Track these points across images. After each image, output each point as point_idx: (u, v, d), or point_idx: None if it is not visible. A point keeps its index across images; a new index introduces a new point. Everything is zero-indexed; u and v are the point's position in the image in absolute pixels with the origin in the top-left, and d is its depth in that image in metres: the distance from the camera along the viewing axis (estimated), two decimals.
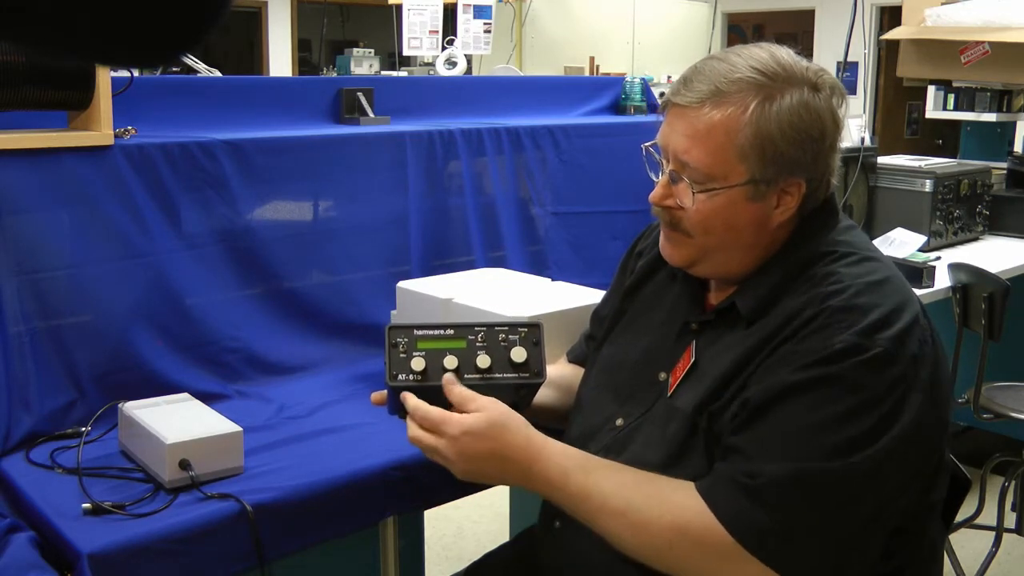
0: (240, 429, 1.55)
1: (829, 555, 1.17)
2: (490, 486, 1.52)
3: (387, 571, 1.67)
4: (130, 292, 1.84)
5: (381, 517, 1.61)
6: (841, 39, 3.83)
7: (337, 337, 2.13)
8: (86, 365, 1.77)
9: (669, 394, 1.33)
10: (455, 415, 1.28)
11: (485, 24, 3.72)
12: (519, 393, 1.41)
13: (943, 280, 2.87)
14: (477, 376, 1.36)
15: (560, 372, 1.61)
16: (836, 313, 1.20)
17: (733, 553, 1.16)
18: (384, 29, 6.73)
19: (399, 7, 3.78)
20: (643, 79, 3.08)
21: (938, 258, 3.08)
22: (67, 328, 1.76)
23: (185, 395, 1.71)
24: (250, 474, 1.54)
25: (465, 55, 3.72)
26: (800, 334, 1.21)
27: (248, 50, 10.71)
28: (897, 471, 1.18)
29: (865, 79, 8.76)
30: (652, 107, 2.97)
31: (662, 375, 1.37)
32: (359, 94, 2.37)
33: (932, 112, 4.45)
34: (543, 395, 1.49)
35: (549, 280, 2.10)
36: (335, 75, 6.48)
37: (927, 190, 3.26)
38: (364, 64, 6.75)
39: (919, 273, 2.74)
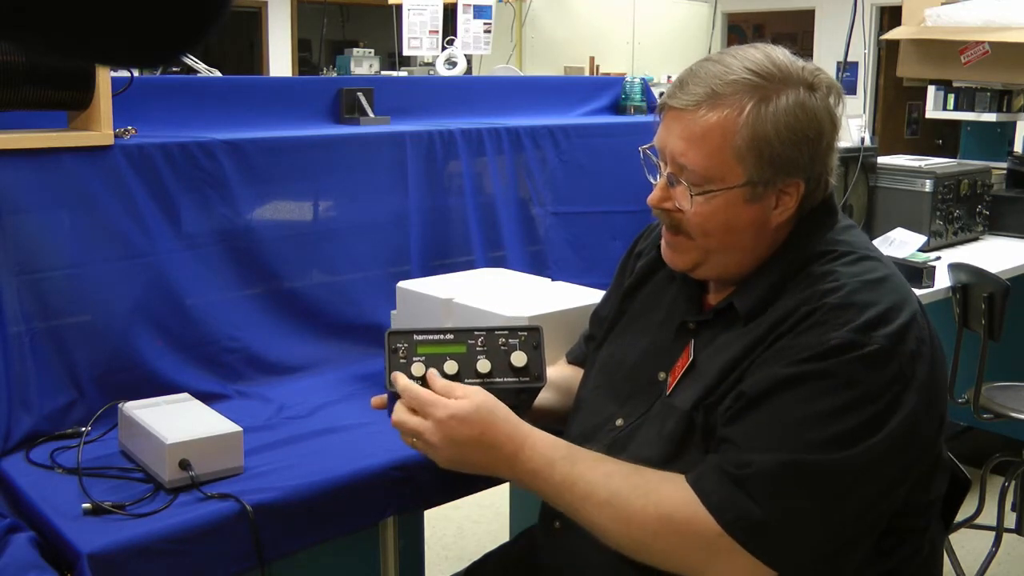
0: (240, 429, 1.55)
1: (816, 547, 1.17)
2: (484, 476, 1.51)
3: (387, 571, 1.67)
4: (130, 292, 1.84)
5: (381, 517, 1.61)
6: (841, 39, 3.83)
7: (337, 337, 2.13)
8: (86, 365, 1.77)
9: (668, 393, 1.33)
10: (442, 399, 1.28)
11: (485, 24, 3.72)
12: (519, 397, 1.41)
13: (943, 280, 2.87)
14: (477, 381, 1.37)
15: (560, 373, 1.61)
16: (833, 310, 1.20)
17: (719, 543, 1.16)
18: (384, 29, 6.73)
19: (399, 7, 3.78)
20: (643, 79, 3.08)
21: (938, 258, 3.08)
22: (67, 328, 1.76)
23: (185, 395, 1.71)
24: (250, 474, 1.54)
25: (465, 55, 3.72)
26: (797, 330, 1.21)
27: (248, 50, 10.71)
28: (891, 468, 1.18)
29: (865, 79, 8.77)
30: (652, 107, 2.97)
31: (661, 375, 1.37)
32: (359, 94, 2.37)
33: (932, 112, 4.45)
34: (543, 397, 1.49)
35: (549, 280, 2.10)
36: (335, 75, 6.48)
37: (927, 190, 3.26)
38: (364, 64, 6.75)
39: (919, 273, 2.74)
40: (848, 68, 8.04)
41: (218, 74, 2.51)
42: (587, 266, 2.57)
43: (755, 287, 1.30)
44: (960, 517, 2.32)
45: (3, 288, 1.67)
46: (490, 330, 1.39)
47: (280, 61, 10.15)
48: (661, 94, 1.38)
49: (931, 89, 4.41)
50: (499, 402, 1.30)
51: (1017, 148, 4.86)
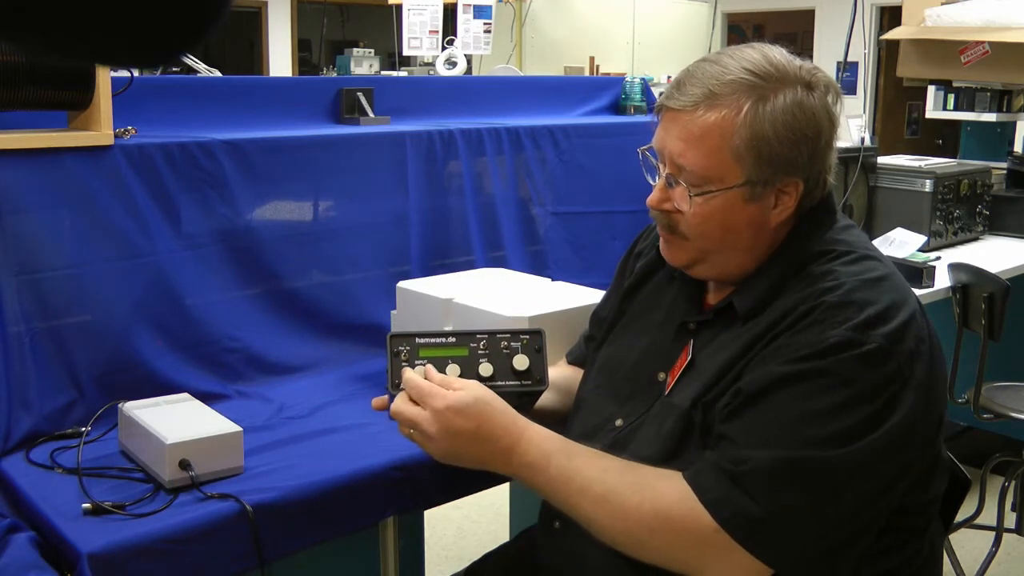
0: (240, 429, 1.55)
1: (812, 544, 1.17)
2: (494, 475, 1.51)
3: (387, 571, 1.67)
4: (130, 292, 1.84)
5: (381, 517, 1.61)
6: (841, 39, 3.83)
7: (337, 337, 2.13)
8: (86, 365, 1.77)
9: (667, 393, 1.33)
10: (442, 389, 1.28)
11: (485, 24, 3.72)
12: (521, 400, 1.41)
13: (943, 280, 2.87)
14: None
15: (560, 374, 1.61)
16: (832, 308, 1.20)
17: (716, 539, 1.16)
18: (384, 29, 6.73)
19: (399, 7, 3.78)
20: (643, 79, 3.08)
21: (938, 258, 3.08)
22: (67, 328, 1.76)
23: (185, 395, 1.71)
24: (250, 474, 1.54)
25: (465, 55, 3.72)
26: (795, 328, 1.21)
27: (248, 50, 10.71)
28: (888, 466, 1.18)
29: (865, 79, 8.77)
30: (652, 107, 2.97)
31: (661, 375, 1.37)
32: (359, 94, 2.37)
33: (932, 112, 4.45)
34: (543, 398, 1.49)
35: (549, 280, 2.10)
36: (335, 75, 6.48)
37: (927, 190, 3.26)
38: (364, 64, 6.74)
39: (919, 273, 2.74)
40: (848, 68, 8.04)
41: (218, 74, 2.51)
42: (587, 266, 2.57)
43: (754, 287, 1.30)
44: (960, 517, 2.33)
45: (3, 288, 1.67)
46: (492, 333, 1.40)
47: (280, 61, 10.15)
48: (661, 94, 1.38)
49: (931, 89, 4.41)
50: (496, 396, 1.30)
51: (1017, 148, 4.86)
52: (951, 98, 4.30)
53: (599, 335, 1.55)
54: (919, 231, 3.11)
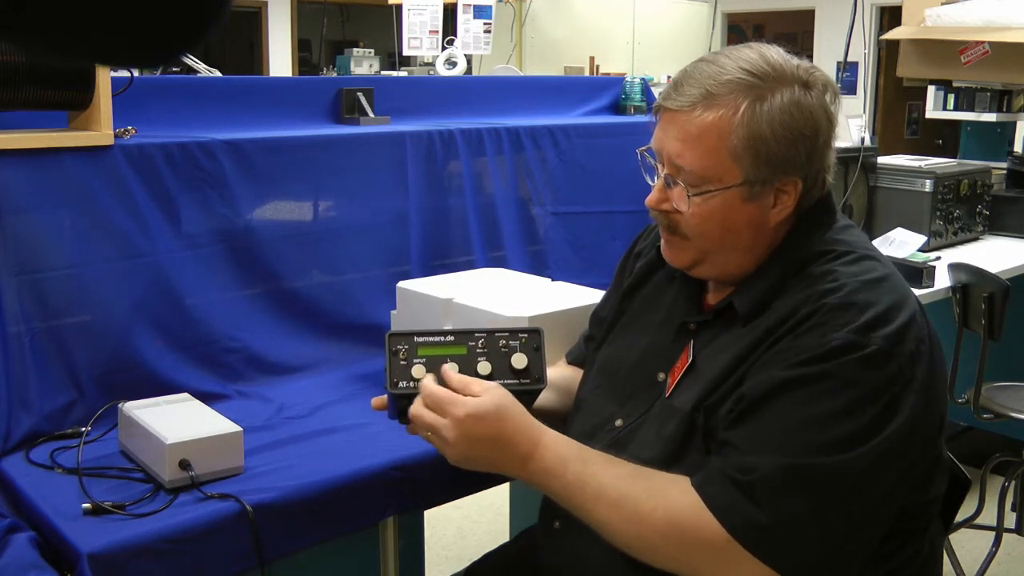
0: (240, 429, 1.55)
1: (823, 550, 1.17)
2: (494, 475, 1.51)
3: (387, 571, 1.67)
4: (130, 292, 1.84)
5: (381, 517, 1.61)
6: (841, 39, 3.83)
7: (337, 337, 2.13)
8: (86, 365, 1.77)
9: (667, 394, 1.33)
10: (461, 397, 1.28)
11: (485, 24, 3.72)
12: (520, 399, 1.41)
13: (943, 280, 2.87)
14: None
15: (559, 374, 1.61)
16: (833, 310, 1.20)
17: (727, 547, 1.16)
18: (384, 29, 6.73)
19: (399, 7, 3.78)
20: (643, 79, 3.08)
21: (938, 258, 3.08)
22: (67, 328, 1.76)
23: (185, 395, 1.71)
24: (250, 474, 1.54)
25: (465, 55, 3.72)
26: (797, 331, 1.21)
27: (248, 50, 10.71)
28: (892, 468, 1.18)
29: (865, 79, 8.76)
30: (652, 107, 2.96)
31: (661, 375, 1.37)
32: (359, 94, 2.37)
33: (932, 112, 4.45)
34: (543, 398, 1.49)
35: (549, 280, 2.10)
36: (335, 75, 6.48)
37: (927, 190, 3.26)
38: (364, 64, 6.74)
39: (919, 273, 2.74)
40: (848, 68, 8.04)
41: (218, 74, 2.51)
42: (587, 266, 2.57)
43: (754, 287, 1.30)
44: (960, 517, 2.33)
45: (3, 288, 1.67)
46: (490, 332, 1.39)
47: (280, 61, 10.14)
48: (660, 94, 1.38)
49: (931, 89, 4.41)
50: (515, 401, 1.30)
51: (1017, 148, 4.86)
52: (951, 98, 4.30)
53: (599, 335, 1.54)
54: (919, 231, 3.11)
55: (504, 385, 1.37)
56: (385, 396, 1.40)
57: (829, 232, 1.32)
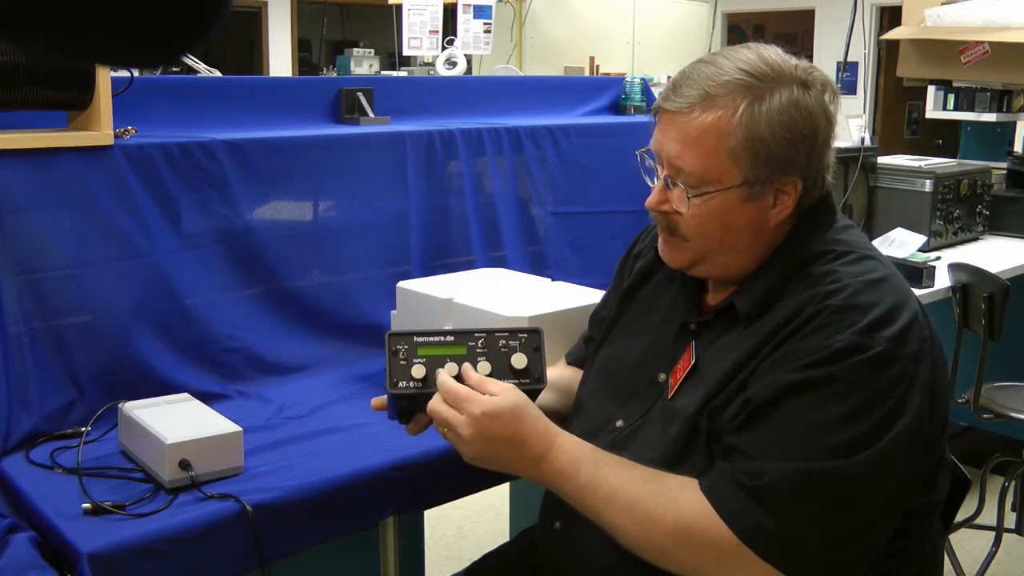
0: (240, 429, 1.55)
1: (831, 553, 1.17)
2: (494, 475, 1.51)
3: (387, 571, 1.67)
4: (130, 292, 1.84)
5: (381, 517, 1.61)
6: (841, 39, 3.83)
7: (337, 337, 2.13)
8: (86, 365, 1.77)
9: (670, 396, 1.33)
10: (479, 395, 1.28)
11: (485, 24, 3.72)
12: None
13: (943, 280, 2.87)
14: None
15: (559, 374, 1.61)
16: (836, 312, 1.20)
17: (736, 552, 1.16)
18: (384, 29, 6.73)
19: (399, 7, 3.78)
20: (643, 79, 3.07)
21: (938, 258, 3.08)
22: (67, 328, 1.76)
23: (185, 395, 1.71)
24: (250, 474, 1.54)
25: (465, 55, 3.72)
26: (800, 333, 1.21)
27: (248, 50, 10.71)
28: (899, 469, 1.18)
29: (865, 79, 8.76)
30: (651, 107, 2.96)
31: (661, 376, 1.37)
32: (359, 94, 2.37)
33: (932, 112, 4.45)
34: (543, 398, 1.48)
35: (549, 280, 2.10)
36: (335, 75, 6.48)
37: (927, 190, 3.26)
38: (364, 64, 6.74)
39: (919, 273, 2.74)
40: (848, 68, 8.04)
41: (218, 74, 2.51)
42: (587, 266, 2.57)
43: (755, 287, 1.30)
44: (960, 517, 2.32)
45: (3, 288, 1.67)
46: (490, 332, 1.39)
47: (280, 61, 10.14)
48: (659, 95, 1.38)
49: (931, 89, 4.41)
50: (531, 402, 1.30)
51: (1017, 148, 4.86)
52: (951, 98, 4.30)
53: (598, 336, 1.54)
54: (919, 231, 3.11)
55: None
56: (385, 396, 1.40)
57: (829, 232, 1.32)
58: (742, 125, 1.24)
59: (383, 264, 2.26)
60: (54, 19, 0.54)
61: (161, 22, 0.56)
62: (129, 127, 1.86)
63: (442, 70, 3.68)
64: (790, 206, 1.29)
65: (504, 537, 2.55)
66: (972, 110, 4.24)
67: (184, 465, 1.47)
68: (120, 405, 1.62)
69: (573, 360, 1.66)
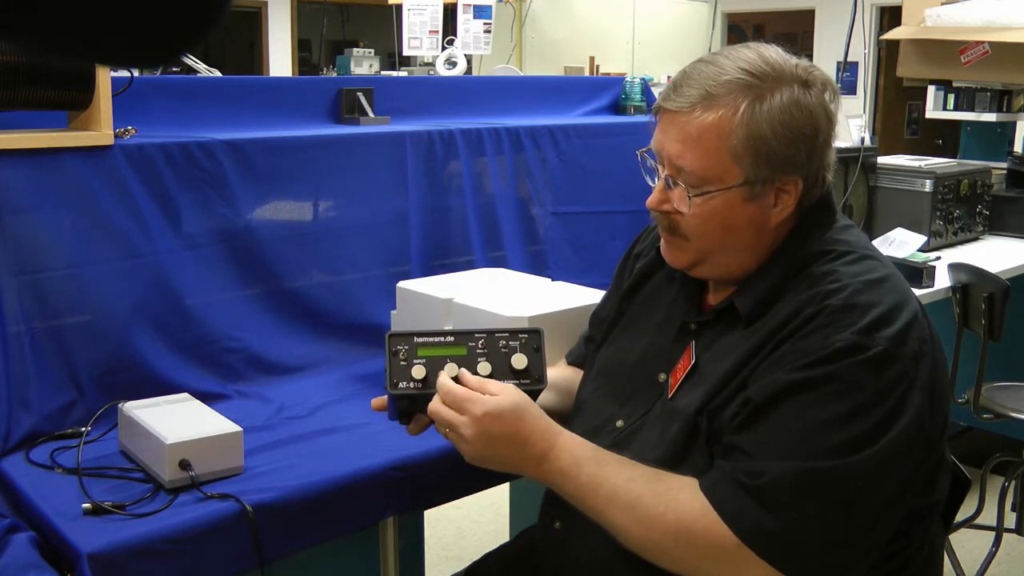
0: (240, 429, 1.55)
1: (832, 553, 1.17)
2: (494, 475, 1.51)
3: (387, 571, 1.67)
4: (130, 292, 1.84)
5: (381, 517, 1.61)
6: (841, 39, 3.83)
7: (337, 337, 2.13)
8: (86, 365, 1.77)
9: (670, 396, 1.33)
10: (480, 395, 1.28)
11: (485, 24, 3.72)
12: None
13: (943, 280, 2.87)
14: None
15: (559, 375, 1.61)
16: (836, 312, 1.20)
17: (736, 552, 1.16)
18: (384, 29, 6.73)
19: (399, 7, 3.78)
20: (643, 79, 3.07)
21: (938, 258, 3.08)
22: (67, 328, 1.76)
23: (185, 395, 1.71)
24: (250, 474, 1.54)
25: (465, 55, 3.72)
26: (800, 333, 1.21)
27: (248, 50, 10.71)
28: (899, 469, 1.18)
29: (865, 79, 8.76)
30: (652, 107, 2.96)
31: (662, 376, 1.37)
32: (359, 94, 2.37)
33: (932, 112, 4.45)
34: (543, 398, 1.49)
35: (549, 280, 2.10)
36: (335, 75, 6.48)
37: (927, 190, 3.26)
38: (364, 64, 6.74)
39: (919, 273, 2.74)
40: (848, 68, 8.04)
41: (218, 74, 2.51)
42: (587, 266, 2.57)
43: (755, 287, 1.30)
44: (960, 517, 2.32)
45: (3, 288, 1.67)
46: (490, 332, 1.39)
47: (280, 61, 10.14)
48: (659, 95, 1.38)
49: (931, 89, 4.41)
50: (532, 402, 1.30)
51: (1017, 148, 4.86)
52: (951, 98, 4.30)
53: (598, 336, 1.54)
54: (919, 231, 3.11)
55: None
56: (385, 397, 1.40)
57: (829, 232, 1.32)
58: (743, 124, 1.24)
59: (383, 264, 2.26)
60: (54, 19, 0.54)
61: (161, 22, 0.56)
62: (129, 127, 1.86)
63: (442, 70, 3.68)
64: (791, 205, 1.29)
65: (504, 537, 2.55)
66: (972, 110, 4.24)
67: (184, 465, 1.47)
68: (120, 405, 1.62)
69: (573, 360, 1.66)
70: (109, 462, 1.58)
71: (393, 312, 2.00)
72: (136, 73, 1.94)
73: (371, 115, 2.36)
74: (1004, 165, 3.83)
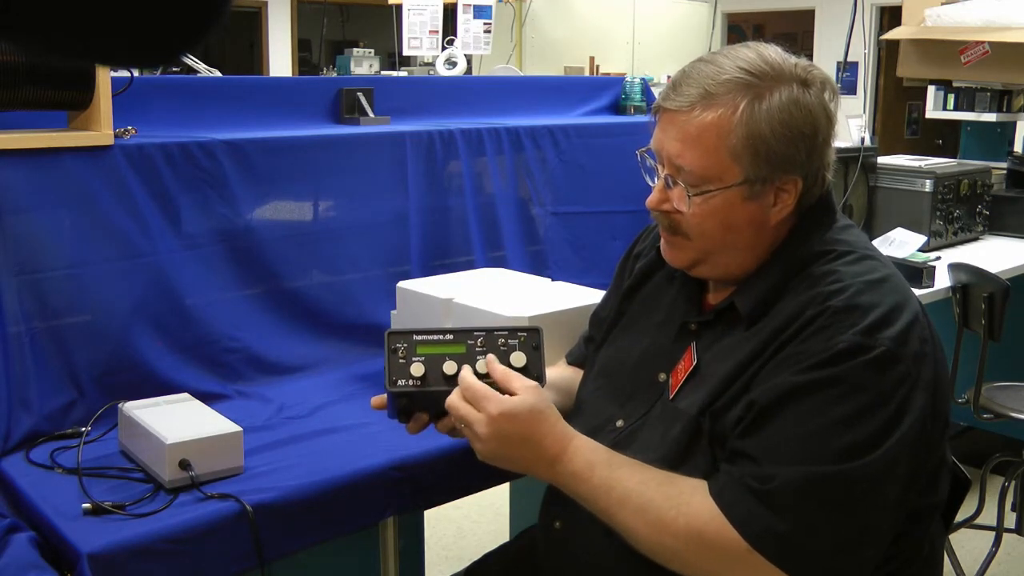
0: (240, 429, 1.55)
1: (842, 556, 1.17)
2: (494, 475, 1.51)
3: (387, 571, 1.67)
4: (130, 292, 1.84)
5: (381, 517, 1.61)
6: (841, 39, 3.83)
7: (337, 337, 2.13)
8: (86, 365, 1.77)
9: (671, 396, 1.33)
10: (498, 394, 1.28)
11: (485, 24, 3.72)
12: None
13: (943, 280, 2.87)
14: None
15: (559, 374, 1.61)
16: (838, 313, 1.20)
17: (747, 556, 1.16)
18: (384, 29, 6.73)
19: (399, 7, 3.78)
20: (643, 79, 3.07)
21: (938, 258, 3.08)
22: (67, 328, 1.76)
23: (185, 395, 1.71)
24: (250, 474, 1.54)
25: (465, 55, 3.72)
26: (802, 335, 1.21)
27: (248, 50, 10.71)
28: (904, 470, 1.18)
29: (865, 79, 8.76)
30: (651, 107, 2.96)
31: (662, 376, 1.37)
32: (359, 94, 2.37)
33: (932, 112, 4.45)
34: None
35: (549, 280, 2.10)
36: (335, 75, 6.48)
37: (927, 190, 3.26)
38: (364, 64, 6.74)
39: (919, 273, 2.74)
40: (848, 68, 8.04)
41: (218, 74, 2.51)
42: (587, 266, 2.57)
43: (756, 287, 1.30)
44: (960, 517, 2.33)
45: (3, 288, 1.67)
46: (490, 330, 1.39)
47: (280, 61, 10.14)
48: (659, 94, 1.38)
49: (931, 89, 4.41)
50: (550, 404, 1.30)
51: (1017, 148, 4.86)
52: (951, 98, 4.30)
53: (598, 336, 1.54)
54: (919, 231, 3.11)
55: None
56: (384, 395, 1.40)
57: (830, 232, 1.32)
58: (742, 124, 1.24)
59: (383, 264, 2.26)
60: (54, 19, 0.54)
61: (161, 22, 0.56)
62: (129, 127, 1.86)
63: (442, 70, 3.68)
64: (791, 204, 1.29)
65: (504, 537, 2.55)
66: (972, 110, 4.24)
67: (184, 465, 1.47)
68: (120, 405, 1.62)
69: (573, 360, 1.66)
70: (109, 462, 1.58)
71: (393, 312, 2.00)
72: (136, 73, 1.94)
73: (371, 115, 2.36)
74: (1004, 165, 3.83)
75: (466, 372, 1.31)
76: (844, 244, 1.30)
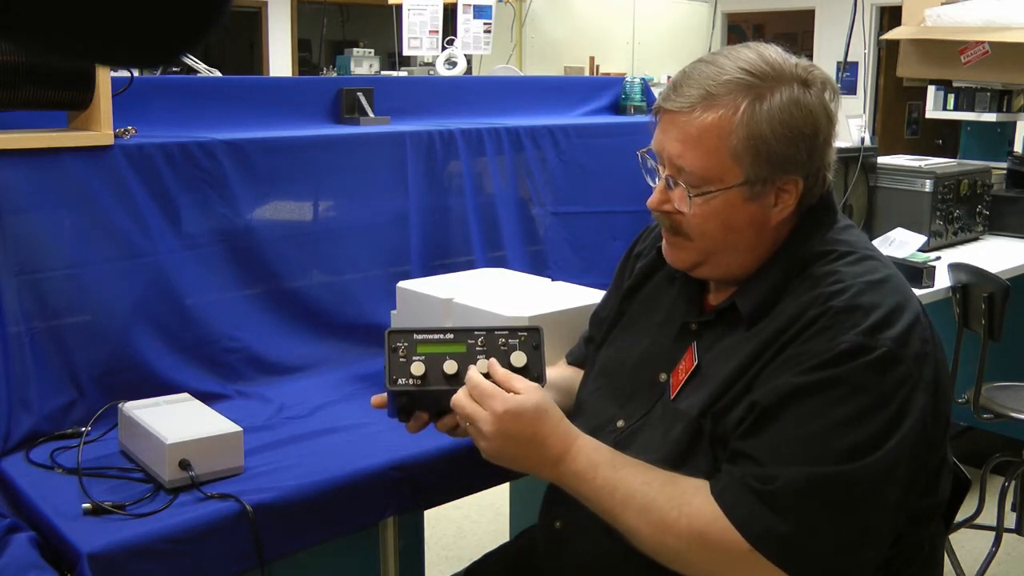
0: (240, 429, 1.55)
1: (843, 556, 1.17)
2: (494, 475, 1.51)
3: (387, 571, 1.67)
4: (130, 292, 1.84)
5: (381, 517, 1.61)
6: (841, 39, 3.83)
7: (337, 337, 2.13)
8: (86, 365, 1.77)
9: (672, 397, 1.33)
10: (503, 392, 1.28)
11: (485, 24, 3.72)
12: None
13: (943, 280, 2.87)
14: None
15: (560, 374, 1.61)
16: (839, 314, 1.20)
17: (748, 557, 1.16)
18: (384, 29, 6.73)
19: (399, 7, 3.77)
20: (643, 79, 3.07)
21: (938, 258, 3.08)
22: (67, 328, 1.76)
23: (185, 395, 1.71)
24: (250, 474, 1.54)
25: (465, 55, 3.72)
26: (804, 335, 1.21)
27: (248, 50, 10.71)
28: (905, 470, 1.18)
29: (865, 79, 8.76)
30: (651, 107, 2.96)
31: (662, 376, 1.37)
32: (359, 94, 2.37)
33: (932, 112, 4.45)
34: None
35: (549, 280, 2.10)
36: (335, 75, 6.48)
37: (927, 190, 3.26)
38: (364, 64, 6.74)
39: (919, 273, 2.74)
40: (848, 68, 8.04)
41: (218, 74, 2.50)
42: (587, 266, 2.57)
43: (757, 287, 1.30)
44: (960, 517, 2.33)
45: (3, 288, 1.67)
46: (490, 330, 1.39)
47: (280, 61, 10.14)
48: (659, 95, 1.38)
49: (931, 89, 4.41)
50: (554, 403, 1.30)
51: (1017, 148, 4.86)
52: (951, 98, 4.30)
53: (599, 336, 1.54)
54: (919, 231, 3.11)
55: None
56: (384, 394, 1.40)
57: (830, 232, 1.32)
58: (743, 124, 1.24)
59: (383, 264, 2.26)
60: (54, 19, 0.54)
61: (161, 22, 0.56)
62: (129, 127, 1.86)
63: (442, 70, 3.68)
64: (791, 205, 1.29)
65: (504, 537, 2.55)
66: (972, 110, 4.24)
67: (184, 465, 1.47)
68: (120, 405, 1.62)
69: (574, 360, 1.66)
70: (109, 462, 1.58)
71: (393, 312, 2.00)
72: (136, 73, 1.94)
73: (371, 115, 2.36)
74: (1004, 165, 3.83)
75: (473, 371, 1.32)
76: (845, 244, 1.30)
